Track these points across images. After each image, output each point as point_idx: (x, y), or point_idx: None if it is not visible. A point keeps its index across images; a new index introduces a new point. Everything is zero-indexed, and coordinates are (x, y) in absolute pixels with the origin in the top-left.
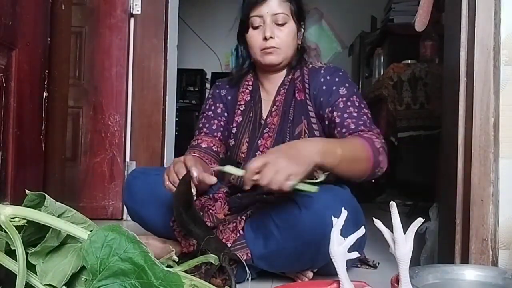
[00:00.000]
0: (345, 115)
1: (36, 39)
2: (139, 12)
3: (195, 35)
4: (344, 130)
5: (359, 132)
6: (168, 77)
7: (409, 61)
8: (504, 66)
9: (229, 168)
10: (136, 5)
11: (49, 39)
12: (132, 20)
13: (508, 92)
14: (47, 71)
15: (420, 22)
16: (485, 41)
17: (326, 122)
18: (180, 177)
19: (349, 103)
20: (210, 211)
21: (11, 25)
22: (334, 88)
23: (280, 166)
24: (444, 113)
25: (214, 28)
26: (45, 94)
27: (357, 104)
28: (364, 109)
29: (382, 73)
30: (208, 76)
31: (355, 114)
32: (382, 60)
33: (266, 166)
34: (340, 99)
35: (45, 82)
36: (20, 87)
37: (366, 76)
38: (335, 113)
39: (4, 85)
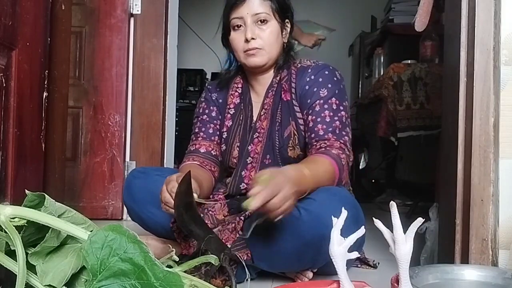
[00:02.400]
0: (318, 119)
1: (36, 39)
2: (139, 12)
3: (195, 35)
4: (313, 135)
5: (325, 141)
6: (168, 77)
7: (409, 61)
8: (504, 66)
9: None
10: (136, 5)
11: (49, 39)
12: (132, 20)
13: (508, 92)
14: (47, 71)
15: (420, 22)
16: (485, 41)
17: (304, 124)
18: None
19: (326, 106)
20: (210, 212)
21: (11, 25)
22: (315, 89)
23: (290, 198)
24: (444, 113)
25: (214, 28)
26: (45, 94)
27: (334, 107)
28: (342, 112)
29: (382, 73)
30: (208, 76)
31: (327, 120)
32: (382, 60)
33: (278, 196)
34: (318, 101)
35: (45, 82)
36: (20, 87)
37: (366, 76)
38: (309, 117)
39: (4, 85)
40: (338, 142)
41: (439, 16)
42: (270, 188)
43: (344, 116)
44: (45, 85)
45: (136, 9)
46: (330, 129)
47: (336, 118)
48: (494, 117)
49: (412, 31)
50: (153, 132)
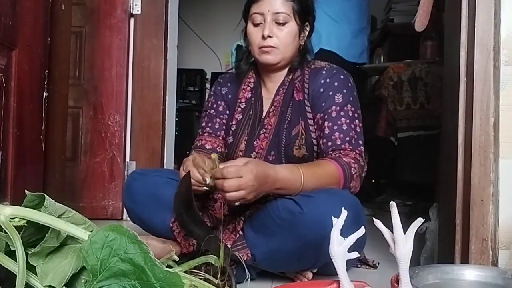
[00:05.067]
0: (335, 127)
1: (36, 39)
2: (139, 12)
3: (195, 35)
4: (329, 143)
5: (341, 151)
6: (168, 77)
7: (409, 61)
8: (504, 66)
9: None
10: (136, 5)
11: (49, 39)
12: (132, 20)
13: (508, 92)
14: (47, 71)
15: (420, 22)
16: (485, 41)
17: (315, 126)
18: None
19: (342, 113)
20: (210, 211)
21: (11, 25)
22: (330, 93)
23: (245, 189)
24: (444, 113)
25: (214, 28)
26: (45, 94)
27: (350, 114)
28: (356, 120)
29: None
30: (208, 76)
31: (344, 128)
32: (382, 60)
33: (237, 179)
34: (333, 107)
35: (45, 82)
36: (20, 87)
37: (366, 77)
38: (326, 122)
39: (4, 85)
40: (354, 153)
41: (439, 16)
42: (234, 169)
43: (359, 126)
44: (45, 85)
45: (136, 9)
46: (347, 138)
47: (352, 126)
48: (494, 117)
49: (412, 31)
50: (153, 132)
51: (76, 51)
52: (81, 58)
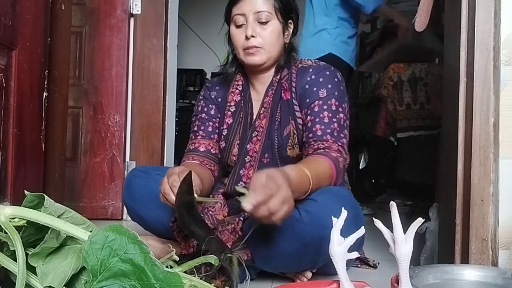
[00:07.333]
0: (317, 119)
1: (36, 39)
2: (139, 12)
3: (195, 35)
4: (310, 135)
5: (324, 142)
6: (168, 77)
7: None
8: (504, 66)
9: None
10: (136, 5)
11: (49, 39)
12: (132, 20)
13: (508, 92)
14: (47, 71)
15: (420, 22)
16: (485, 41)
17: (302, 124)
18: (175, 189)
19: (325, 107)
20: (210, 212)
21: (11, 25)
22: (315, 89)
23: (279, 213)
24: (444, 113)
25: (214, 28)
26: (45, 94)
27: (334, 109)
28: (340, 114)
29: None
30: (208, 76)
31: (326, 120)
32: None
33: (267, 204)
34: (316, 102)
35: (45, 82)
36: (20, 87)
37: (366, 76)
38: (308, 117)
39: (4, 85)
40: (336, 145)
41: (439, 16)
42: (267, 189)
43: (343, 119)
44: (45, 85)
45: (136, 9)
46: (329, 130)
47: (334, 119)
48: (494, 117)
49: (412, 31)
50: (153, 132)
51: (76, 51)
52: (81, 58)
